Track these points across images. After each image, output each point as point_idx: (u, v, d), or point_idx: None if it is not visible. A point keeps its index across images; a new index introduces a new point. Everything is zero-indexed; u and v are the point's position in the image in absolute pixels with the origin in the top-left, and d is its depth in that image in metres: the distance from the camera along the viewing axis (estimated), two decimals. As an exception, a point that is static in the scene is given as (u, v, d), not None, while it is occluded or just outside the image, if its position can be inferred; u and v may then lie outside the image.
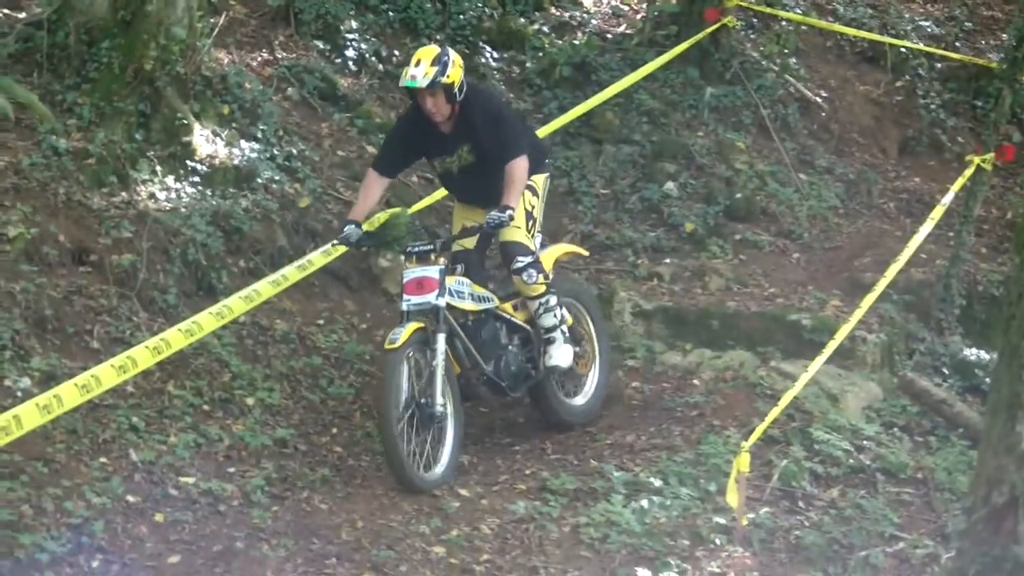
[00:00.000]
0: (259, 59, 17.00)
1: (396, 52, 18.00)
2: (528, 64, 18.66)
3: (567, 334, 13.61)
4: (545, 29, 19.66)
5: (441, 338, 12.51)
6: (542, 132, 16.40)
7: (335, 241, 13.01)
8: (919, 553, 12.35)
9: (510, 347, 13.50)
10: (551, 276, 13.69)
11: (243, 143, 15.70)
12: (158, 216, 14.48)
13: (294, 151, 16.01)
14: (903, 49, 20.14)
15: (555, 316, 13.45)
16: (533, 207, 13.56)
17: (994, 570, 5.89)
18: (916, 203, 17.99)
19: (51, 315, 13.11)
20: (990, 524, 5.89)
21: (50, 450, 11.93)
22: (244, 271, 14.73)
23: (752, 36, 19.45)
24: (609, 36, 19.34)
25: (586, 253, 15.42)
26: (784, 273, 16.39)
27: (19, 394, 12.03)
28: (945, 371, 15.36)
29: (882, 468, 13.44)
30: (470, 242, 13.45)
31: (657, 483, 12.83)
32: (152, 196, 14.87)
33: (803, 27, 19.66)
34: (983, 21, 21.48)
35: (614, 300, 15.61)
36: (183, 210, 14.72)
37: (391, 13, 18.43)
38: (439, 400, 12.43)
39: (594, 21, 20.45)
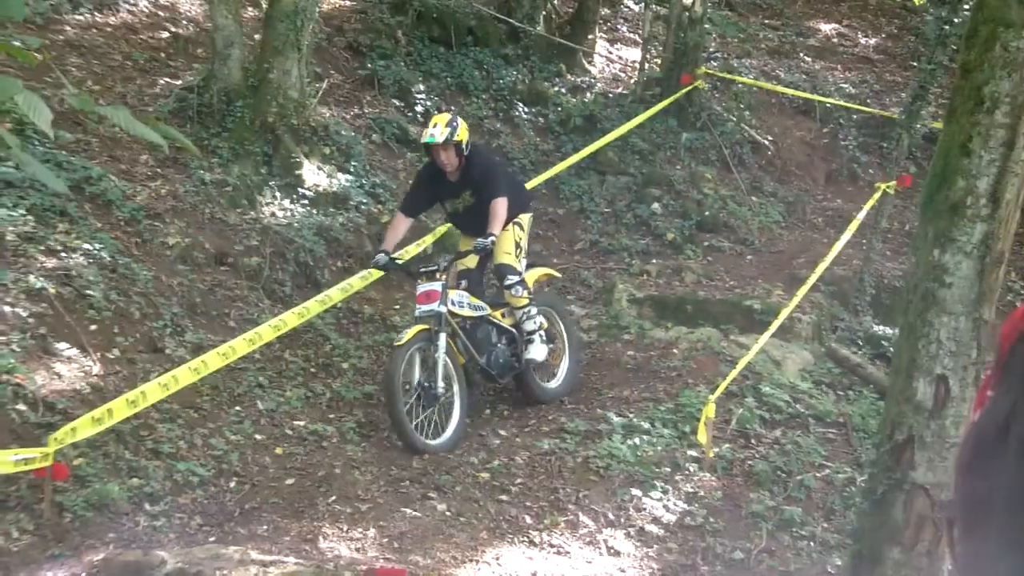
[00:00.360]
0: (351, 113, 17.03)
1: (452, 107, 18.02)
2: (550, 116, 18.67)
3: (543, 336, 13.94)
4: (563, 90, 19.45)
5: (442, 336, 12.84)
6: (560, 168, 16.52)
7: (371, 265, 13.46)
8: (840, 477, 12.39)
9: (499, 345, 13.78)
10: (532, 292, 13.97)
11: (340, 175, 15.79)
12: (277, 229, 14.56)
13: (377, 180, 16.08)
14: (828, 104, 20.09)
15: (534, 322, 13.79)
16: (520, 239, 13.88)
17: (896, 490, 5.91)
18: (838, 218, 18.02)
19: (199, 302, 13.30)
20: (893, 455, 5.92)
21: (198, 400, 12.20)
22: (340, 269, 14.83)
23: (716, 95, 19.31)
24: (610, 95, 19.35)
25: (559, 275, 15.60)
26: (741, 270, 16.44)
27: (176, 360, 12.15)
28: (860, 343, 15.42)
29: (813, 414, 13.49)
30: (472, 262, 13.73)
31: (646, 426, 12.89)
32: (273, 214, 14.95)
33: (754, 88, 19.79)
34: (887, 84, 21.66)
35: (614, 290, 15.63)
36: (295, 224, 14.82)
37: (449, 79, 18.47)
38: (440, 384, 12.73)
39: (599, 84, 20.28)
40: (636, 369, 14.48)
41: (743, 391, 13.58)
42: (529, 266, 14.41)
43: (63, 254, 12.57)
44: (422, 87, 18.20)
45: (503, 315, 13.96)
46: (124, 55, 16.76)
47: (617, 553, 11.28)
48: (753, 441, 12.99)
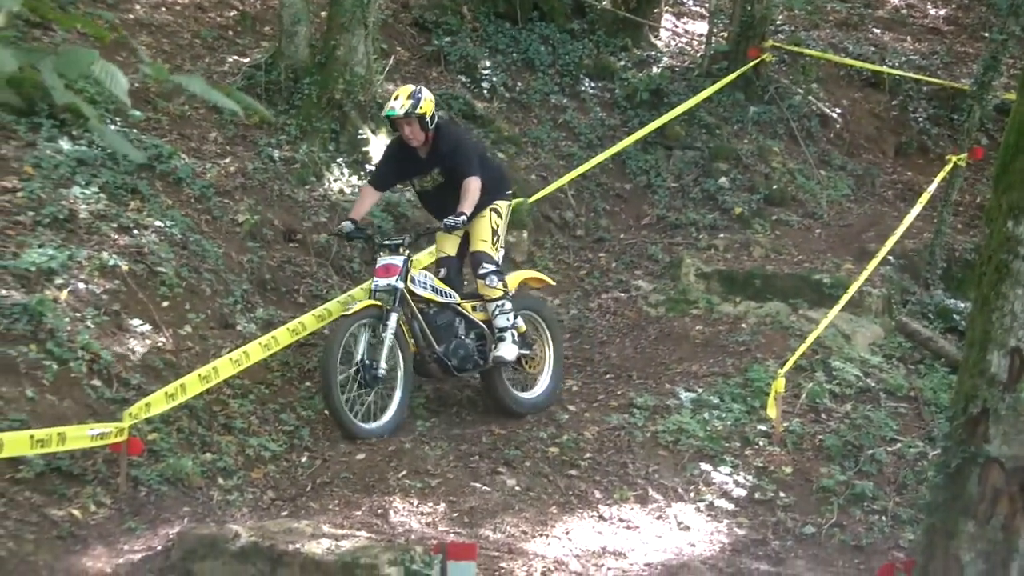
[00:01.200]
0: (418, 89, 17.10)
1: (519, 83, 17.98)
2: (617, 90, 18.60)
3: (516, 337, 12.94)
4: (629, 64, 19.43)
5: (394, 316, 12.14)
6: (627, 143, 16.49)
7: (334, 231, 13.15)
8: (912, 451, 12.41)
9: (463, 337, 12.86)
10: (512, 292, 13.17)
11: (407, 151, 15.84)
12: (345, 205, 14.60)
13: (444, 156, 16.12)
14: (897, 76, 20.03)
15: (507, 319, 12.84)
16: (498, 226, 13.11)
17: (970, 463, 5.92)
18: (908, 191, 17.96)
19: (269, 278, 13.42)
20: (967, 429, 5.91)
21: (269, 376, 12.42)
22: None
23: (784, 68, 19.20)
24: (677, 69, 19.23)
25: (553, 283, 14.81)
26: (809, 244, 16.40)
27: (246, 336, 12.35)
28: (930, 316, 15.37)
29: (884, 388, 13.53)
30: (453, 249, 13.08)
31: (715, 400, 12.94)
32: (341, 191, 15.03)
33: (822, 61, 19.65)
34: (958, 55, 21.40)
35: (682, 265, 15.60)
36: (363, 201, 14.91)
37: (515, 54, 18.41)
38: (383, 365, 12.02)
39: (665, 58, 20.22)
40: (704, 344, 14.49)
41: (812, 365, 13.62)
42: (518, 265, 14.58)
43: (135, 231, 12.68)
44: (488, 63, 18.18)
45: (475, 308, 13.17)
46: (193, 33, 16.85)
47: (687, 528, 11.35)
48: (823, 415, 13.02)
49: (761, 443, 12.44)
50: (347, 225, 12.49)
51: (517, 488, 11.76)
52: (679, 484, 11.87)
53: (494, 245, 13.03)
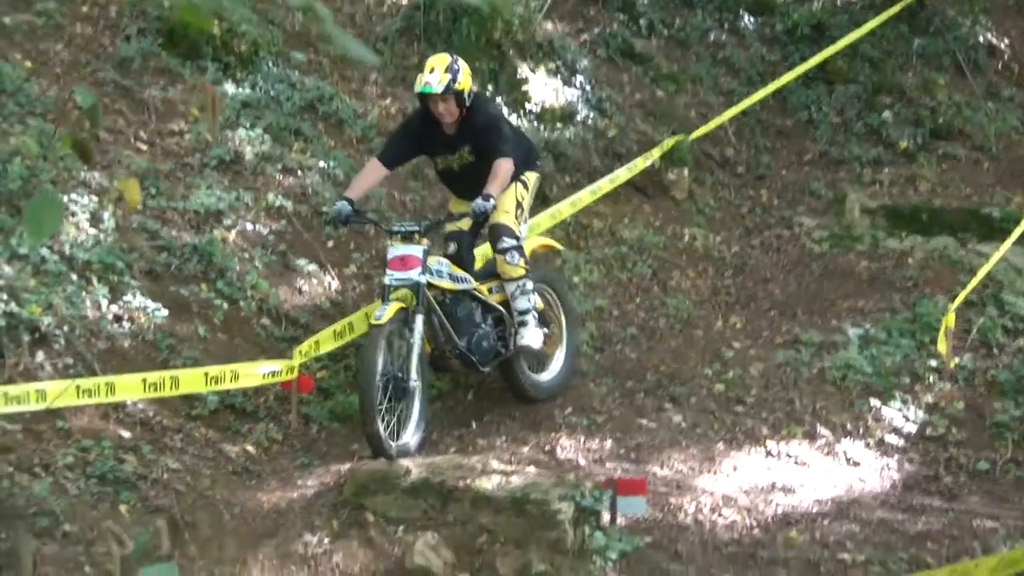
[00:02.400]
0: (575, 28, 17.00)
1: (677, 19, 17.88)
2: (777, 25, 18.43)
3: (537, 318, 11.75)
4: None
5: (420, 319, 10.61)
6: (788, 78, 16.35)
7: (327, 214, 11.34)
8: (1088, 386, 12.29)
9: (483, 326, 11.47)
10: (530, 263, 11.74)
11: (566, 90, 15.80)
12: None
13: (603, 95, 16.02)
14: None
15: (529, 300, 11.56)
16: (523, 198, 11.68)
17: None
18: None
19: (431, 217, 13.27)
20: None
21: (433, 316, 12.29)
22: (567, 184, 14.81)
23: None
24: (839, 2, 18.97)
25: (561, 247, 13.69)
26: (977, 178, 16.17)
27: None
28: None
29: (1060, 321, 13.39)
30: (465, 224, 11.50)
31: (883, 336, 12.86)
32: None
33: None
34: None
35: (846, 201, 15.49)
36: (524, 141, 14.91)
37: (673, -11, 18.36)
38: (413, 376, 10.48)
39: None
40: (870, 279, 14.38)
41: (983, 300, 13.45)
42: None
43: (299, 172, 12.89)
44: (645, 0, 18.07)
45: (490, 291, 11.79)
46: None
47: (856, 464, 11.35)
48: (995, 351, 12.90)
49: (931, 379, 12.39)
50: (343, 207, 10.66)
51: (683, 425, 11.80)
52: (847, 420, 11.86)
53: (517, 219, 11.68)
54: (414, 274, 10.35)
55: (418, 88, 10.58)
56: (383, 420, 10.15)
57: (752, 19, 18.21)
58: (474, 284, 11.58)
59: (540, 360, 12.27)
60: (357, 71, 15.11)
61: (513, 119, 15.10)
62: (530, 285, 11.70)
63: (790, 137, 16.63)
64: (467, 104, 10.80)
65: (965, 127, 17.11)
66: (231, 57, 14.01)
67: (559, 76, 15.93)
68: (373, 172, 11.09)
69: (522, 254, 11.58)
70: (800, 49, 17.44)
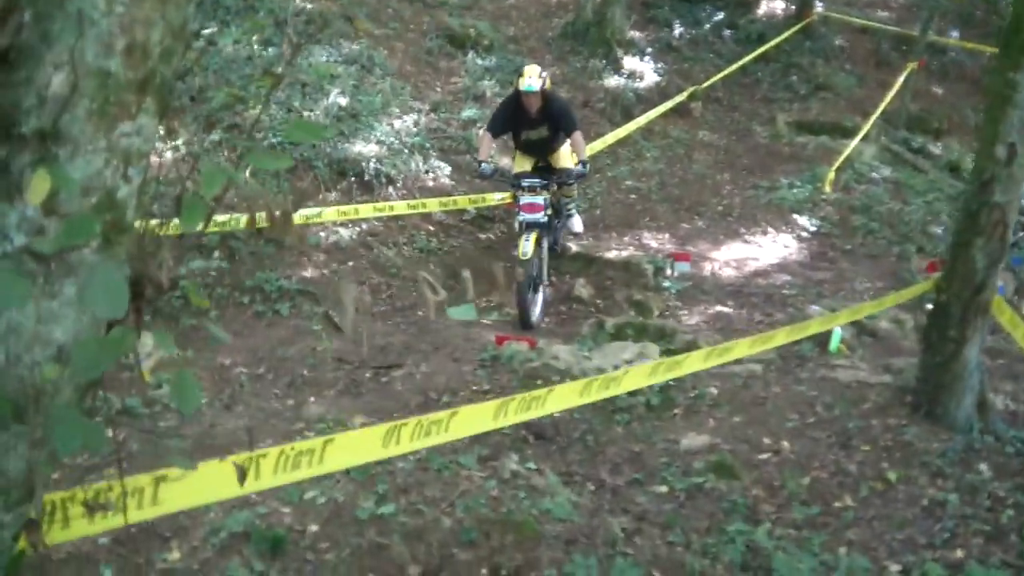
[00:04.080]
0: (645, 35, 16.24)
1: (694, 30, 16.89)
2: (740, 34, 17.13)
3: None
4: (751, 21, 17.78)
5: (545, 243, 8.86)
6: (745, 61, 15.39)
7: (478, 174, 9.00)
8: (897, 207, 11.75)
9: (555, 224, 9.59)
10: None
11: (640, 63, 14.99)
12: (611, 88, 14.05)
13: (658, 66, 15.23)
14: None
15: (576, 204, 10.03)
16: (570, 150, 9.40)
17: (983, 205, 5.34)
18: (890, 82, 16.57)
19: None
20: (981, 188, 5.32)
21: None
22: (642, 110, 13.78)
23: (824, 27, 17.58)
24: (770, 20, 17.78)
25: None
26: (838, 109, 15.18)
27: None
28: (900, 143, 14.27)
29: (881, 177, 12.69)
30: (529, 166, 9.38)
31: (798, 183, 12.52)
32: (607, 83, 14.39)
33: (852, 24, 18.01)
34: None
35: (777, 119, 14.62)
36: (618, 87, 14.24)
37: (691, 17, 17.35)
38: (544, 279, 8.77)
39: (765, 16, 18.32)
40: (791, 156, 13.66)
41: (844, 166, 12.66)
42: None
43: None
44: (677, 23, 17.08)
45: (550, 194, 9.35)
46: (537, 10, 16.22)
47: (787, 246, 10.99)
48: (852, 191, 12.21)
49: (822, 204, 11.76)
50: (486, 167, 8.75)
51: (702, 226, 11.42)
52: (782, 224, 11.38)
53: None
54: (540, 216, 8.60)
55: (523, 87, 8.69)
56: (530, 305, 8.41)
57: (729, 31, 17.09)
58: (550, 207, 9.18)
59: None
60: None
61: (615, 79, 14.43)
62: (575, 193, 9.98)
63: (748, 88, 15.73)
64: (547, 98, 8.90)
65: (831, 84, 16.00)
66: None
67: (637, 56, 15.15)
68: (487, 140, 8.97)
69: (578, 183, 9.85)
70: (752, 46, 16.31)
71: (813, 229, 11.27)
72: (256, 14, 11.47)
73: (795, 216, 11.49)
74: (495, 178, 8.92)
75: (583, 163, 8.85)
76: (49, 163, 1.74)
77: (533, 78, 8.73)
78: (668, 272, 9.60)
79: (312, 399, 5.47)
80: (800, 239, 11.08)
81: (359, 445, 2.49)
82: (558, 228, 9.69)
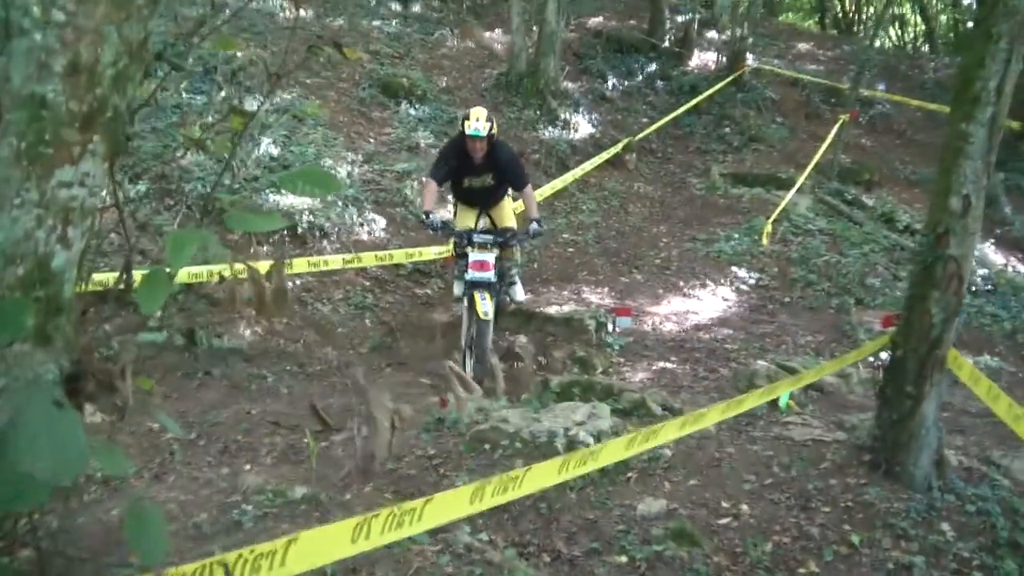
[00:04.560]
0: (578, 86, 16.35)
1: (626, 81, 17.07)
2: (673, 85, 17.55)
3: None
4: (682, 73, 18.09)
5: (493, 304, 8.04)
6: (678, 112, 15.64)
7: (427, 226, 8.01)
8: (833, 259, 11.83)
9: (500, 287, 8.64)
10: None
11: (575, 115, 15.11)
12: (547, 140, 14.05)
13: (594, 117, 15.36)
14: (806, 79, 18.50)
15: (518, 268, 9.26)
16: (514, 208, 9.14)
17: (938, 259, 5.31)
18: (817, 137, 16.90)
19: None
20: (936, 240, 5.31)
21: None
22: (577, 161, 13.85)
23: (754, 75, 17.92)
24: (701, 73, 18.10)
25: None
26: (771, 160, 15.47)
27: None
28: (833, 194, 14.49)
29: (817, 229, 12.86)
30: (473, 223, 8.73)
31: (736, 235, 12.75)
32: (543, 135, 14.39)
33: (776, 74, 18.40)
34: (838, 70, 19.85)
35: (711, 171, 14.81)
36: (552, 139, 14.24)
37: (624, 68, 17.55)
38: (488, 346, 7.94)
39: (696, 70, 18.63)
40: (727, 208, 13.84)
41: (781, 218, 12.83)
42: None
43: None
44: (611, 74, 17.29)
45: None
46: (470, 61, 16.25)
47: (727, 299, 11.01)
48: (789, 242, 12.34)
49: (761, 256, 11.83)
50: (435, 219, 7.89)
51: (641, 279, 11.38)
52: (720, 277, 11.43)
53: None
54: (490, 275, 7.98)
55: (469, 131, 7.99)
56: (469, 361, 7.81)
57: (662, 82, 17.37)
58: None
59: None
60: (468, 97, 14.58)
61: (550, 129, 14.47)
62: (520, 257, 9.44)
63: (682, 140, 15.96)
64: (493, 144, 8.22)
65: (763, 135, 16.34)
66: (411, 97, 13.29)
67: (571, 108, 15.22)
68: (433, 190, 8.27)
69: (522, 248, 9.51)
70: (685, 98, 16.58)
71: (752, 282, 11.32)
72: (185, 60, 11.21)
73: (734, 269, 11.54)
74: (443, 232, 8.14)
75: (538, 221, 8.14)
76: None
77: (480, 121, 8.07)
78: (610, 327, 9.48)
79: (247, 467, 5.18)
80: (739, 292, 11.11)
81: (325, 543, 2.26)
82: (500, 294, 8.85)
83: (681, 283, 11.22)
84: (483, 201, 8.73)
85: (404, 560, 3.96)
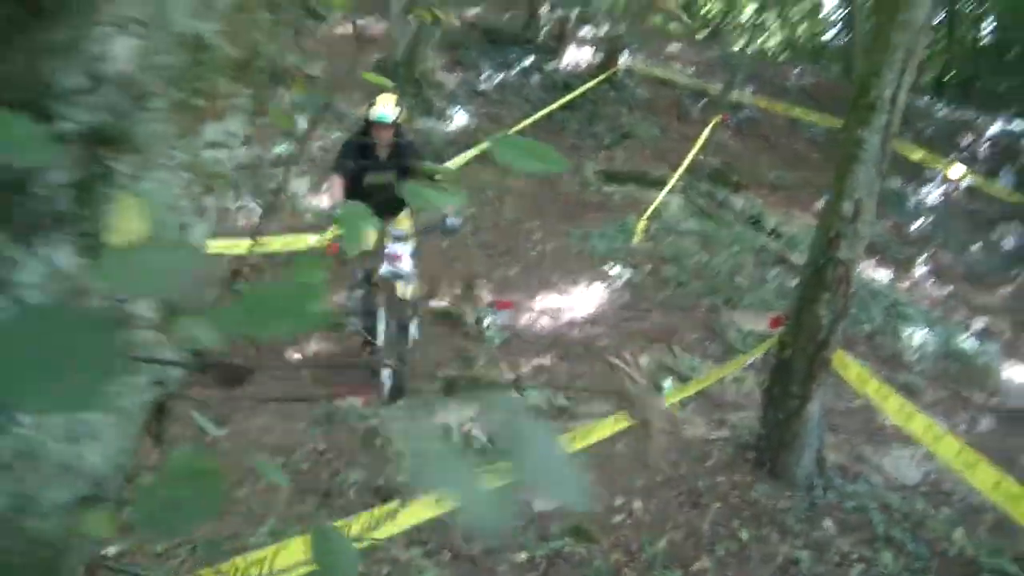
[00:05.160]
0: (455, 76, 16.31)
1: (502, 74, 17.09)
2: (547, 81, 17.68)
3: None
4: (555, 68, 18.22)
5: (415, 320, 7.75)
6: (552, 108, 15.70)
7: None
8: (705, 259, 12.10)
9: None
10: None
11: (452, 107, 15.10)
12: (423, 129, 13.96)
13: (469, 110, 15.37)
14: (681, 84, 18.91)
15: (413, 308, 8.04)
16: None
17: (829, 262, 5.53)
18: (689, 137, 17.29)
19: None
20: (828, 244, 5.54)
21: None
22: (454, 152, 13.84)
23: (628, 74, 18.21)
24: (576, 72, 18.27)
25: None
26: (644, 158, 15.80)
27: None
28: (705, 195, 14.86)
29: (686, 229, 13.12)
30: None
31: (610, 232, 12.71)
32: (420, 124, 14.28)
33: (649, 74, 18.72)
34: (709, 73, 20.37)
35: (584, 167, 15.02)
36: (428, 129, 14.16)
37: (499, 60, 17.60)
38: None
39: (569, 67, 18.80)
40: (599, 205, 13.98)
41: (653, 216, 13.02)
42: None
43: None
44: (486, 63, 17.26)
45: None
46: (348, 49, 15.98)
47: (599, 296, 11.12)
48: (661, 240, 12.56)
49: (633, 254, 12.04)
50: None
51: (517, 273, 11.42)
52: (593, 275, 11.55)
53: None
54: (407, 269, 7.27)
55: (374, 116, 7.08)
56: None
57: (538, 76, 17.41)
58: None
59: None
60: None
61: (424, 120, 14.38)
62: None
63: (556, 135, 15.96)
64: (400, 134, 7.42)
65: (635, 133, 16.61)
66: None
67: (448, 99, 15.15)
68: (338, 184, 7.20)
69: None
70: (559, 93, 16.64)
71: (624, 279, 11.51)
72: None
73: (607, 266, 11.71)
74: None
75: (456, 214, 7.30)
76: (110, 185, 1.11)
77: (388, 107, 7.14)
78: (487, 321, 9.48)
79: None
80: (612, 289, 11.27)
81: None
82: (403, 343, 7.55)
83: (555, 278, 11.32)
84: (384, 205, 7.13)
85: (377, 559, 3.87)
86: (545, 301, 10.61)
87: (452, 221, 7.20)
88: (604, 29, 18.97)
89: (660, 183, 14.07)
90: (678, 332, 10.19)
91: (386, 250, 7.12)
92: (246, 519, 4.43)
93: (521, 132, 14.81)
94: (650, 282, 11.52)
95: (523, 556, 4.61)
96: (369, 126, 7.26)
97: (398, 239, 7.21)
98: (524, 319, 9.97)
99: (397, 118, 7.29)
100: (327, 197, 7.45)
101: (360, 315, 7.64)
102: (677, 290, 11.38)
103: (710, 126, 15.35)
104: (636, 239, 12.34)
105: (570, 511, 5.09)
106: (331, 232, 8.66)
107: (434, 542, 4.60)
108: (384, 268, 7.14)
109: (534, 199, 13.88)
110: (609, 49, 17.85)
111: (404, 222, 7.54)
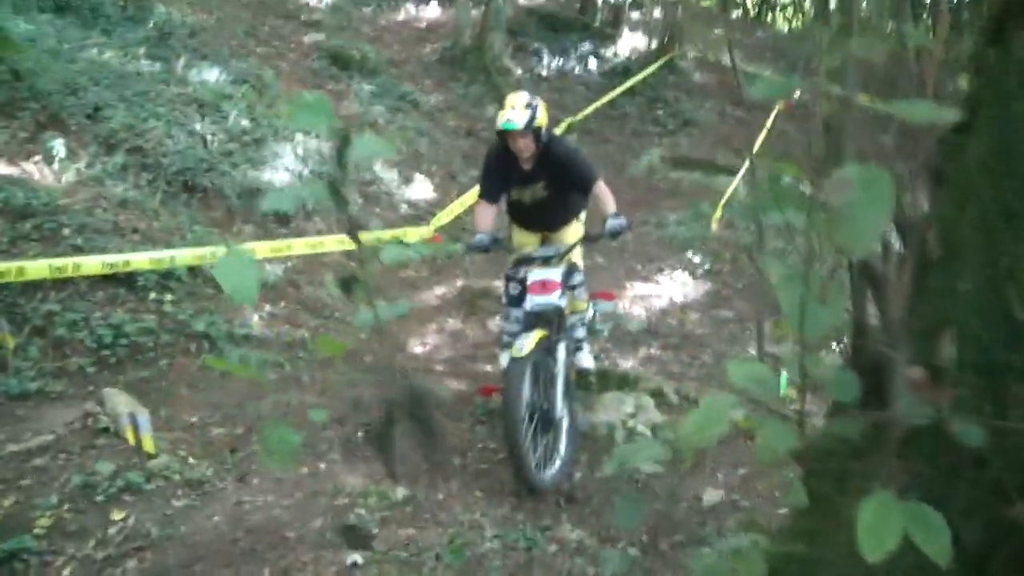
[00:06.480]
0: (518, 65, 16.47)
1: (562, 61, 17.25)
2: (607, 67, 17.85)
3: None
4: (612, 54, 18.36)
5: (563, 346, 5.81)
6: (613, 94, 15.90)
7: (470, 246, 5.99)
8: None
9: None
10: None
11: (518, 94, 15.31)
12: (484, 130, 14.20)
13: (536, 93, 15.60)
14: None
15: (585, 331, 7.30)
16: (583, 235, 6.65)
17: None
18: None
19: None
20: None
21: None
22: None
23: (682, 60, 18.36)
24: (634, 57, 18.39)
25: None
26: (704, 144, 15.96)
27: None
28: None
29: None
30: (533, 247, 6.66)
31: (685, 220, 12.74)
32: (489, 115, 14.52)
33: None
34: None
35: (648, 153, 15.22)
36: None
37: (557, 45, 17.76)
38: (559, 406, 5.59)
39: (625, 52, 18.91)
40: (670, 192, 14.18)
41: (729, 203, 13.18)
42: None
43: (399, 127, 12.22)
44: (545, 53, 17.41)
45: None
46: (411, 35, 16.17)
47: (685, 284, 11.28)
48: (737, 227, 12.69)
49: (710, 241, 12.23)
50: (484, 238, 5.92)
51: (601, 262, 11.62)
52: (676, 262, 11.72)
53: (580, 256, 7.00)
54: (555, 297, 5.88)
55: (500, 124, 5.91)
56: (531, 453, 5.26)
57: (596, 62, 17.60)
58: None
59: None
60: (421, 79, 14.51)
61: (495, 108, 14.57)
62: (590, 315, 7.35)
63: (618, 121, 16.23)
64: (544, 140, 6.04)
65: (695, 119, 16.78)
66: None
67: (512, 86, 15.28)
68: (488, 210, 6.15)
69: (587, 289, 7.10)
70: (618, 79, 16.87)
71: (706, 267, 11.70)
72: (136, 26, 10.85)
73: (688, 254, 11.90)
74: (494, 248, 6.04)
75: (616, 215, 5.98)
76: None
77: (516, 110, 5.94)
78: (590, 313, 9.70)
79: (322, 465, 5.19)
80: (695, 277, 11.47)
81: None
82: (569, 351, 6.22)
83: (639, 267, 11.52)
84: (541, 221, 6.66)
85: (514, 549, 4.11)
86: (634, 290, 10.80)
87: (616, 222, 5.87)
88: (656, 13, 19.07)
89: (726, 170, 14.22)
90: (767, 321, 10.39)
91: (528, 281, 5.98)
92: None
93: (585, 119, 15.06)
94: (730, 270, 11.70)
95: (706, 550, 4.85)
96: (503, 136, 6.05)
97: (545, 261, 6.09)
98: (619, 309, 10.17)
99: (532, 122, 5.90)
100: (475, 226, 6.18)
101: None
102: (756, 279, 11.58)
103: (773, 113, 15.46)
104: (713, 227, 12.52)
105: (739, 505, 5.33)
106: (434, 223, 8.94)
107: (622, 538, 4.85)
108: (530, 302, 5.91)
109: (608, 186, 14.06)
110: (665, 34, 17.98)
111: (568, 236, 6.61)
